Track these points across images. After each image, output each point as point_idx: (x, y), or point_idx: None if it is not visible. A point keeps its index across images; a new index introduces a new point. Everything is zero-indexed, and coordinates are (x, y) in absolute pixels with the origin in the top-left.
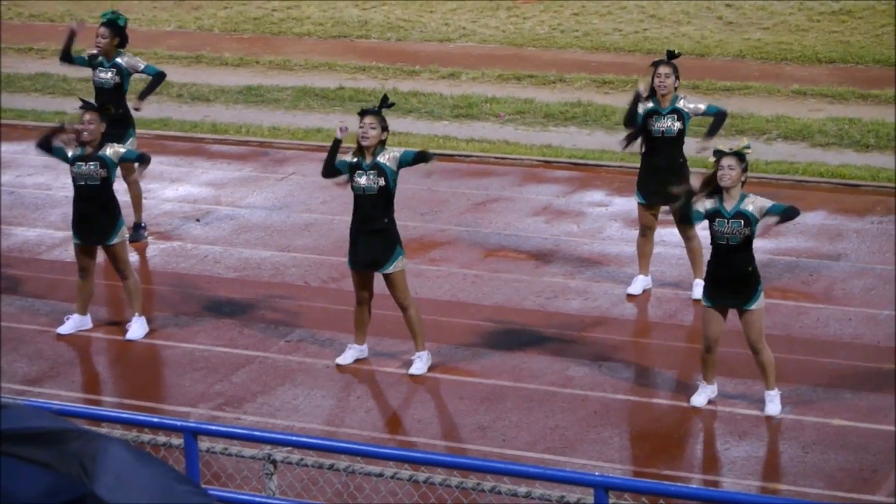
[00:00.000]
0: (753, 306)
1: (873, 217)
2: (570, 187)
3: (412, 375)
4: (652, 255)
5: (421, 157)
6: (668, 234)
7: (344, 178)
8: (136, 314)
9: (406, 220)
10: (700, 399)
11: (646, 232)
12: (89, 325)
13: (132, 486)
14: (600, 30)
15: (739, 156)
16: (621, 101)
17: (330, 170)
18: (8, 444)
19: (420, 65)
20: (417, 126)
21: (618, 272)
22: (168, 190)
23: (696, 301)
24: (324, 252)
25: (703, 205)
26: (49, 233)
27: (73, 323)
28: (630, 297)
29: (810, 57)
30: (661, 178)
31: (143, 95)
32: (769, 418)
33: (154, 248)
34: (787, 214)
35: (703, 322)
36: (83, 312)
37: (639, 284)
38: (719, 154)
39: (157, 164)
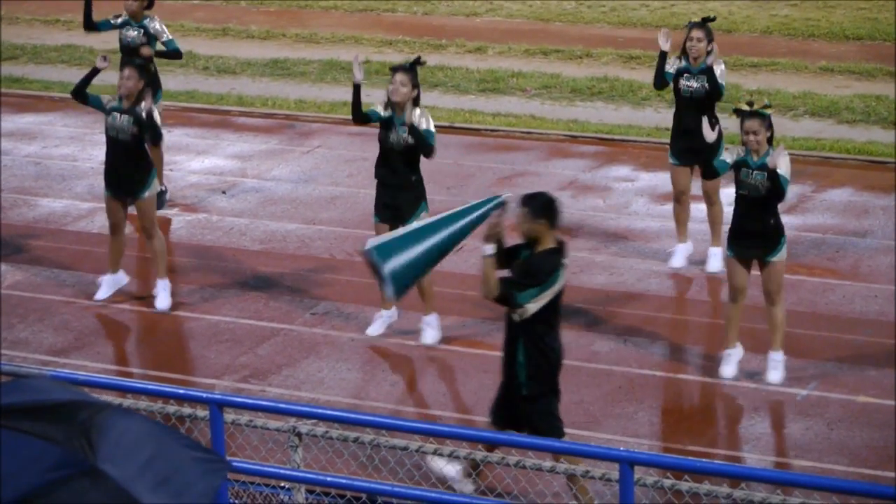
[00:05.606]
0: (775, 258)
1: None
2: (596, 162)
3: (429, 346)
4: (689, 221)
5: (423, 146)
6: (692, 209)
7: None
8: (160, 279)
9: (432, 194)
10: (729, 369)
11: (680, 197)
12: (125, 280)
13: (139, 457)
14: (627, 5)
15: (762, 116)
16: (648, 76)
17: (358, 114)
18: (12, 418)
19: (446, 39)
20: (444, 100)
21: (644, 247)
22: (194, 162)
23: (712, 275)
24: (349, 225)
25: (731, 154)
26: (75, 204)
27: (107, 284)
28: (674, 270)
29: (838, 33)
30: (690, 138)
31: (157, 54)
32: (783, 392)
33: (180, 220)
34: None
35: (728, 272)
36: (115, 270)
37: (680, 255)
38: (741, 116)
39: (182, 136)
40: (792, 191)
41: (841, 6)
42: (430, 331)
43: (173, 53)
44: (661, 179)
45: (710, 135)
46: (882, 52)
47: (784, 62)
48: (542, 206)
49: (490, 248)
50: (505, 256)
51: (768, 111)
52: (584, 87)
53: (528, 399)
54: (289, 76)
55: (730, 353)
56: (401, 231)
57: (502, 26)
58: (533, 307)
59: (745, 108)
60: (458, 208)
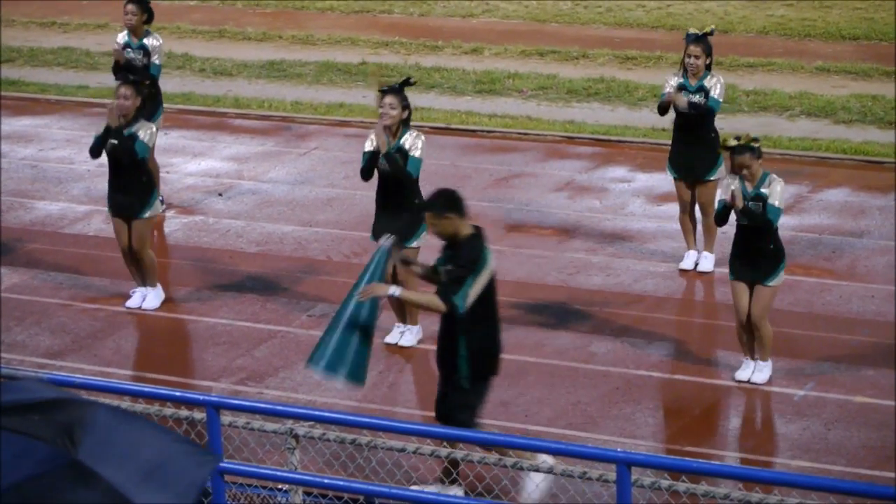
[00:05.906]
0: (770, 283)
1: None
2: (592, 163)
3: (403, 347)
4: (695, 229)
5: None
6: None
7: None
8: (152, 287)
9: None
10: (744, 374)
11: (685, 208)
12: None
13: (123, 451)
14: (623, 6)
15: (751, 149)
16: (644, 77)
17: (369, 175)
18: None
19: (443, 40)
20: (440, 101)
21: (640, 248)
22: (190, 164)
23: (702, 273)
24: (346, 227)
25: (726, 188)
26: (72, 207)
27: (153, 294)
28: (682, 272)
29: (834, 33)
30: (689, 152)
31: (144, 70)
32: (771, 392)
33: (176, 223)
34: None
35: (732, 296)
36: (142, 283)
37: (690, 260)
38: (731, 152)
39: (179, 138)
40: (789, 191)
41: (837, 6)
42: (409, 335)
43: (149, 75)
44: (658, 180)
45: (742, 200)
46: (879, 51)
47: (780, 62)
48: (443, 203)
49: (395, 289)
50: (434, 271)
51: (756, 144)
52: (581, 88)
53: (466, 391)
54: (285, 78)
55: (749, 361)
56: (325, 332)
57: (498, 27)
58: (472, 293)
59: (733, 143)
60: (359, 275)
